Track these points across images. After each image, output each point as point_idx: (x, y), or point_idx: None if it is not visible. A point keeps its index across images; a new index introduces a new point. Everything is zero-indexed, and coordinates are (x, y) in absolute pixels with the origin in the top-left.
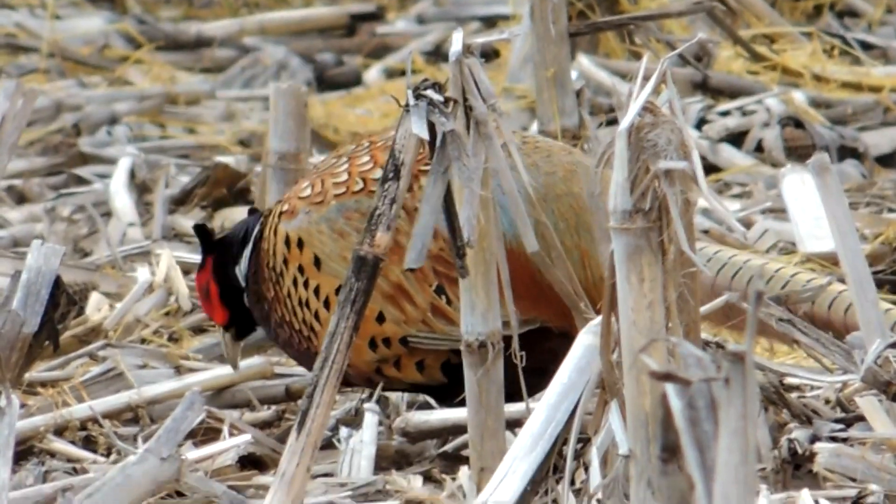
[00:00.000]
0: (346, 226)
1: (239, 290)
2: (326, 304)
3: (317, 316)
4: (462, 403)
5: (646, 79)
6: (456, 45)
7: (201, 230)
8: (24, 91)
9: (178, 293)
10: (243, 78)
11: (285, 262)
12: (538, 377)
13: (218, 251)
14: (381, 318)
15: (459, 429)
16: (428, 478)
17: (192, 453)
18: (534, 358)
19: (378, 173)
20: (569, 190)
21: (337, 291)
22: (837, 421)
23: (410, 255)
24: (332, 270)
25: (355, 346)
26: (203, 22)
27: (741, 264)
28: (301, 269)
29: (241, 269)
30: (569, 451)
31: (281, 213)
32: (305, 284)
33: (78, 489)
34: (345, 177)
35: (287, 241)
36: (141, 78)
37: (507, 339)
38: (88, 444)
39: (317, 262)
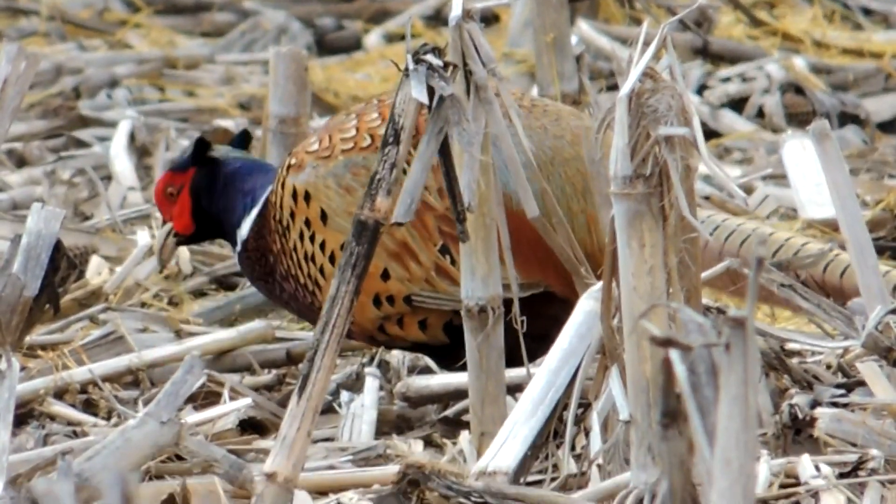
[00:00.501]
0: (354, 181)
1: (210, 222)
2: (332, 259)
3: (322, 270)
4: (463, 368)
5: (646, 44)
6: (456, 9)
7: (200, 142)
8: (26, 55)
9: (178, 257)
10: (243, 42)
11: (292, 215)
12: (540, 343)
13: (206, 170)
14: (385, 276)
15: (460, 394)
16: (429, 442)
17: (191, 417)
18: (536, 323)
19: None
20: (577, 154)
21: (342, 247)
22: (838, 386)
23: (399, 209)
24: (337, 226)
25: (360, 304)
26: None
27: (749, 232)
28: (307, 223)
29: (241, 232)
30: (569, 416)
31: (289, 167)
32: (311, 239)
33: (78, 452)
34: (353, 132)
35: (294, 195)
36: (140, 41)
37: (509, 304)
38: (88, 407)
39: (323, 216)
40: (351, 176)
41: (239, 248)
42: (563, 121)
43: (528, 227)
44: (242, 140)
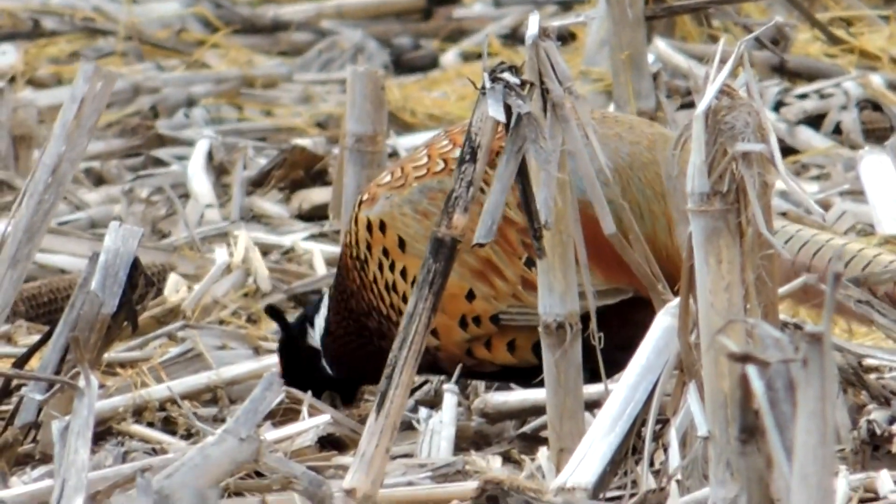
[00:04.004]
0: (430, 206)
1: (313, 356)
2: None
3: (405, 298)
4: (541, 384)
5: (723, 62)
6: (532, 28)
7: (271, 310)
8: (103, 74)
9: (256, 274)
10: (320, 61)
11: (369, 247)
12: (629, 352)
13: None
14: (470, 296)
15: (538, 409)
16: (507, 458)
17: (270, 434)
18: (623, 332)
19: (457, 153)
20: (654, 158)
21: None
22: None
23: (480, 230)
24: (417, 251)
25: (445, 326)
26: (280, 6)
27: (822, 243)
28: (385, 253)
29: (315, 330)
30: (648, 432)
31: (361, 202)
32: (391, 267)
33: (157, 469)
34: (425, 160)
35: (369, 227)
36: (218, 61)
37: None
38: (167, 425)
39: (401, 243)
40: (427, 201)
41: (320, 334)
42: (636, 128)
43: None
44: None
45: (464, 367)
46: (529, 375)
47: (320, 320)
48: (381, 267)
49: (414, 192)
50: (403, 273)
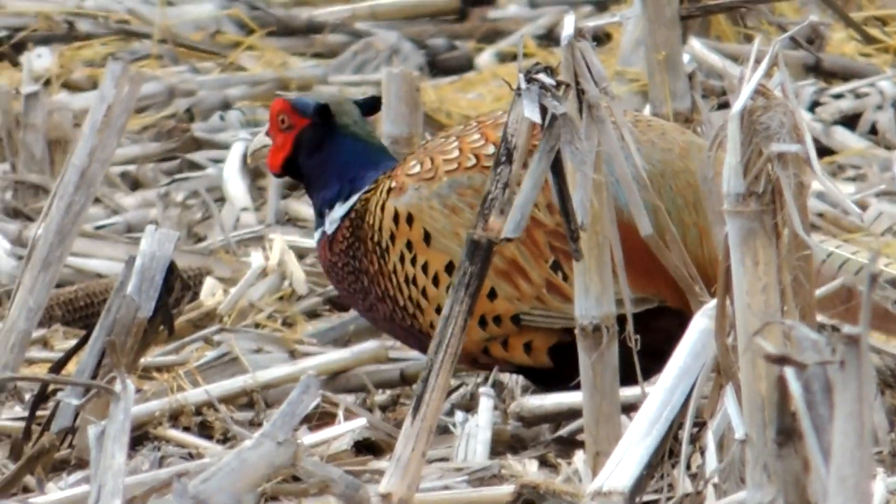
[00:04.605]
0: (459, 201)
1: (298, 177)
2: (435, 281)
3: (424, 293)
4: (576, 387)
5: (758, 62)
6: (568, 28)
7: (324, 108)
8: (131, 75)
9: (291, 277)
10: (355, 63)
11: (392, 237)
12: (652, 358)
13: (320, 130)
14: (492, 295)
15: (574, 413)
16: (543, 462)
17: (307, 438)
18: (647, 338)
19: (490, 149)
20: (686, 167)
21: (447, 268)
22: None
23: (509, 225)
24: (442, 246)
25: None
26: (315, 7)
27: (849, 256)
28: (409, 246)
29: (332, 215)
30: (684, 435)
31: (389, 190)
32: (413, 261)
33: (193, 474)
34: (455, 153)
35: (396, 217)
36: (253, 63)
37: (621, 322)
38: (204, 429)
39: (427, 237)
40: (456, 196)
41: (329, 231)
42: (668, 135)
43: (637, 240)
44: (372, 106)
45: (475, 365)
46: (542, 376)
47: (342, 210)
48: (402, 259)
49: (443, 185)
50: (425, 268)
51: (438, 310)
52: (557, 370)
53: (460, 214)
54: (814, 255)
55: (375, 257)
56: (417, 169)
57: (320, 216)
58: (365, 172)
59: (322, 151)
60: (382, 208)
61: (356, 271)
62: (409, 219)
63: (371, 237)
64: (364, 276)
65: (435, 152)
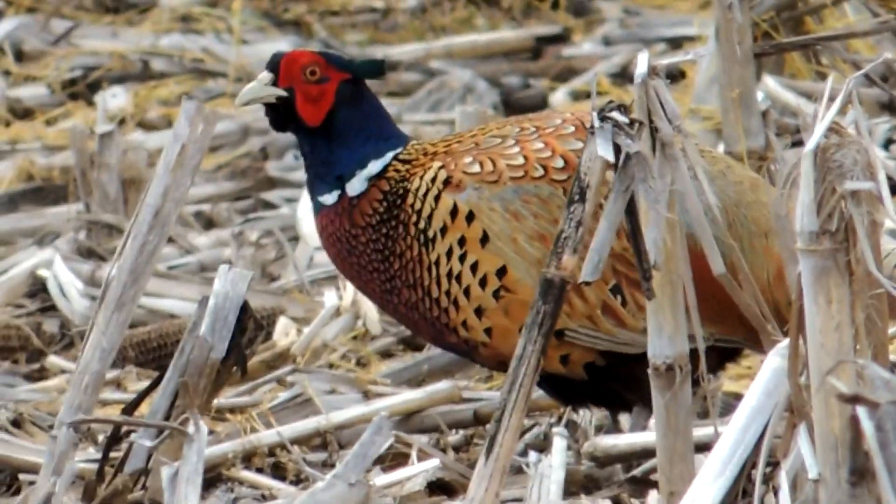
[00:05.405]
0: (523, 208)
1: (331, 133)
2: (482, 283)
3: (467, 291)
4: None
5: (832, 99)
6: (641, 66)
7: (377, 64)
8: (205, 114)
9: (365, 317)
10: (430, 101)
11: (444, 230)
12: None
13: (356, 88)
14: None
15: (648, 453)
16: (617, 502)
17: (380, 479)
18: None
19: (558, 162)
20: (757, 199)
21: (498, 272)
22: None
23: (587, 268)
24: (497, 249)
25: (504, 329)
26: (389, 46)
27: None
28: (461, 242)
29: (354, 180)
30: (758, 474)
31: (445, 182)
32: (462, 258)
33: None
34: (520, 160)
35: (454, 212)
36: None
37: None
38: (277, 470)
39: (484, 238)
40: (521, 202)
41: (353, 192)
42: (734, 168)
43: (713, 279)
44: (378, 68)
45: (502, 368)
46: (568, 388)
47: (376, 167)
48: (450, 253)
49: (508, 190)
50: (474, 267)
51: (478, 310)
52: (591, 384)
53: (522, 221)
54: (887, 293)
55: (417, 244)
56: (477, 168)
57: (339, 180)
58: (392, 135)
59: (360, 108)
60: (437, 199)
61: (385, 250)
62: (470, 216)
63: (416, 223)
64: (395, 259)
65: (495, 154)
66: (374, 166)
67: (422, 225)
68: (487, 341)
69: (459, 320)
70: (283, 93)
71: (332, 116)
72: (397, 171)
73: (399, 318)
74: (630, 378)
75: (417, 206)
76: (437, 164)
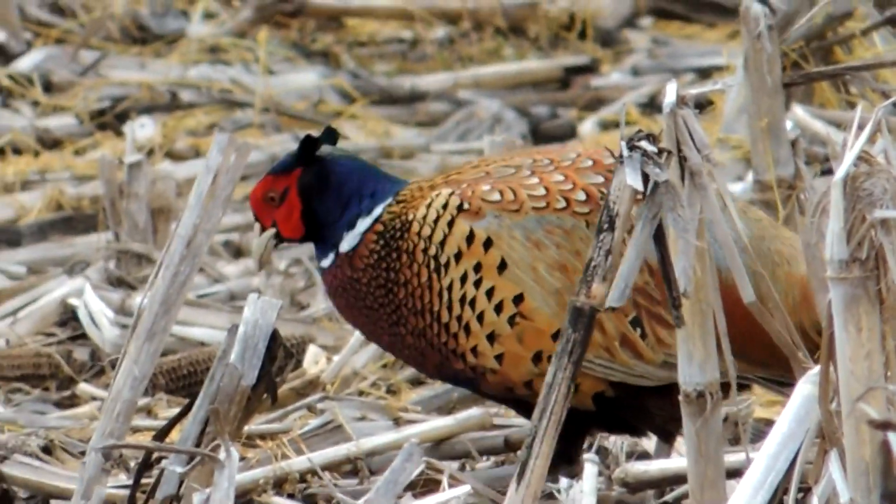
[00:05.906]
0: (546, 238)
1: (317, 224)
2: (497, 309)
3: (480, 317)
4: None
5: (861, 128)
6: (670, 96)
7: (308, 141)
8: (237, 145)
9: None
10: (458, 131)
11: (458, 255)
12: None
13: (314, 170)
14: (557, 336)
15: (679, 478)
16: None
17: None
18: None
19: (580, 195)
20: (778, 234)
21: (515, 299)
22: None
23: (613, 294)
24: (515, 277)
25: (516, 356)
26: (417, 76)
27: None
28: (477, 268)
29: (351, 233)
30: (789, 500)
31: (459, 208)
32: (477, 283)
33: None
34: (542, 191)
35: (470, 238)
36: (356, 132)
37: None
38: (308, 497)
39: (502, 265)
40: (544, 232)
41: (347, 248)
42: (752, 209)
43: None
44: (330, 137)
45: (508, 394)
46: (579, 419)
47: (365, 223)
48: (464, 278)
49: (530, 220)
50: (490, 293)
51: (490, 336)
52: (599, 415)
53: (544, 251)
54: None
55: (427, 270)
56: (497, 197)
57: (334, 245)
58: (380, 185)
59: (330, 185)
60: (451, 224)
61: (388, 283)
62: (488, 243)
63: (424, 249)
64: (400, 288)
65: (514, 183)
66: (364, 223)
67: (433, 251)
68: (497, 368)
69: (469, 346)
70: (272, 230)
71: (309, 215)
72: (391, 212)
73: (407, 353)
74: (640, 409)
75: (426, 232)
76: (445, 191)
